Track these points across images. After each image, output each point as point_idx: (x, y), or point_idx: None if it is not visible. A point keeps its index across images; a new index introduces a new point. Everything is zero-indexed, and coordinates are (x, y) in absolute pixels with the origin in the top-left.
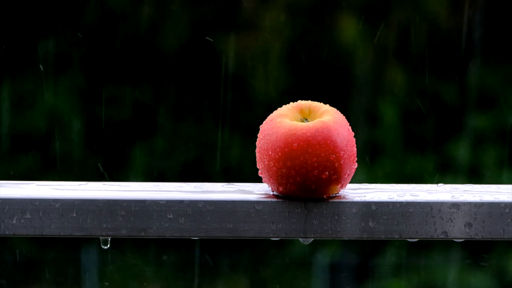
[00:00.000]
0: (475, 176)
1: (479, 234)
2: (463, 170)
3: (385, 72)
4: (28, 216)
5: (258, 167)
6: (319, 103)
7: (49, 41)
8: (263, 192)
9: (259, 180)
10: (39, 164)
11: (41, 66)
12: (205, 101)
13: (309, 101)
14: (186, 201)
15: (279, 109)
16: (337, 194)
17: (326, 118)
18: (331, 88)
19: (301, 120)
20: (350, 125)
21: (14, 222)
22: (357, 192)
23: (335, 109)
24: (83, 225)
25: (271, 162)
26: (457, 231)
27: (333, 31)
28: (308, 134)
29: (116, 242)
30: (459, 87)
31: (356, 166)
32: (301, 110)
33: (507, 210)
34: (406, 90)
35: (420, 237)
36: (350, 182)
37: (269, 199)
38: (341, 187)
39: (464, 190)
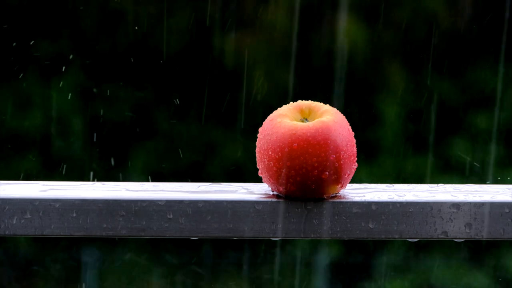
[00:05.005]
0: (475, 176)
1: (479, 234)
2: (463, 170)
3: (385, 71)
4: (28, 216)
5: (258, 167)
6: (319, 103)
7: (50, 41)
8: (263, 192)
9: (259, 180)
10: (39, 164)
11: (41, 66)
12: (205, 101)
13: (309, 101)
14: (186, 201)
15: (279, 109)
16: (337, 194)
17: (326, 118)
18: (331, 87)
19: (301, 120)
20: (350, 125)
21: (14, 222)
22: (357, 192)
23: (335, 109)
24: (83, 225)
25: (271, 162)
26: (457, 231)
27: (333, 30)
28: (308, 134)
29: (116, 242)
30: (459, 86)
31: (356, 166)
32: (301, 110)
33: (507, 210)
34: (406, 90)
35: (420, 237)
36: (350, 182)
37: (269, 199)
38: (341, 187)
39: (464, 190)
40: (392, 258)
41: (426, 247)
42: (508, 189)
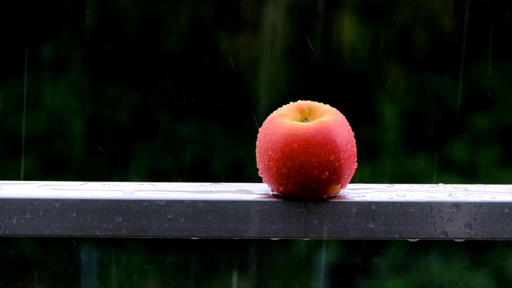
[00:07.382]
0: (475, 176)
1: (479, 234)
2: (463, 170)
3: (385, 71)
4: (28, 216)
5: (258, 167)
6: (319, 103)
7: (50, 41)
8: (263, 192)
9: (259, 180)
10: (39, 164)
11: (41, 65)
12: (205, 101)
13: (309, 101)
14: (186, 201)
15: (279, 109)
16: (337, 194)
17: (326, 118)
18: (331, 88)
19: (301, 120)
20: (350, 125)
21: (14, 222)
22: (357, 192)
23: (335, 109)
24: (83, 225)
25: (271, 162)
26: (457, 231)
27: (333, 30)
28: (308, 134)
29: (116, 242)
30: (459, 86)
31: (356, 166)
32: (301, 110)
33: (507, 210)
34: (406, 90)
35: (420, 237)
36: (350, 182)
37: (269, 199)
38: (341, 187)
39: (464, 190)
40: (392, 258)
41: (426, 247)
42: (508, 189)
